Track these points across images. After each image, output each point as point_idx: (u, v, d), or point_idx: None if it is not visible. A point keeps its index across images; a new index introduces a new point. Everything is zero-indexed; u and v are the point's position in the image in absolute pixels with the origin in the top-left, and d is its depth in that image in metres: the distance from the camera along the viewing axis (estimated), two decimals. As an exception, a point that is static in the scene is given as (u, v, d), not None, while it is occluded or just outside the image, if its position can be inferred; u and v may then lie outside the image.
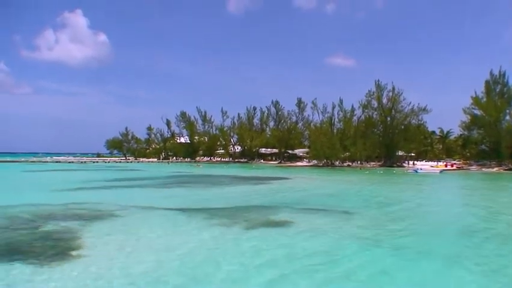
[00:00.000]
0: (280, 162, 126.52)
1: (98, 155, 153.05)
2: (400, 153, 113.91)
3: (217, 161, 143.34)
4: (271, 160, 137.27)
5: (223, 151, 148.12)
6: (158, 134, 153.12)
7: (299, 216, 20.74)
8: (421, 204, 29.27)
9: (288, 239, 15.45)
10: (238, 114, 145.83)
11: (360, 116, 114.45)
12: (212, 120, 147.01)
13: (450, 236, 17.38)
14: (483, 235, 17.16)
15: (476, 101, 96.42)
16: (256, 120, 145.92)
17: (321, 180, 54.02)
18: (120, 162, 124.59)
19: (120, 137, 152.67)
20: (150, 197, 31.97)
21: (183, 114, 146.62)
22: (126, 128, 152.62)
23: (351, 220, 20.17)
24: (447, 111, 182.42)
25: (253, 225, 18.06)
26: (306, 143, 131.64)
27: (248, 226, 17.93)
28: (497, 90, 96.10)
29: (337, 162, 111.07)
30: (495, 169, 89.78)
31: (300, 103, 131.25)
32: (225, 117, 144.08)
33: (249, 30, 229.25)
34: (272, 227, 17.72)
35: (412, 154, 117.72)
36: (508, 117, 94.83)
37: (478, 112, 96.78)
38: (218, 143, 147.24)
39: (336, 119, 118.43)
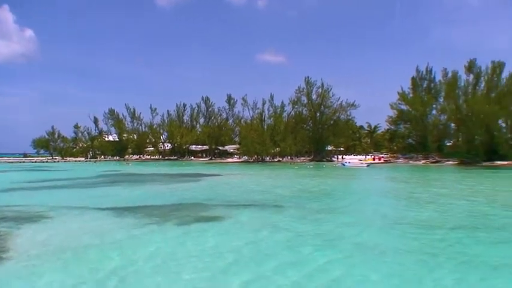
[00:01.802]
0: (210, 159, 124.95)
1: (25, 155, 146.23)
2: (330, 147, 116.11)
3: (146, 158, 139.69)
4: (202, 157, 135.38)
5: (153, 149, 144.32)
6: (85, 132, 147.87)
7: (229, 212, 20.55)
8: (346, 195, 30.29)
9: (218, 235, 15.37)
10: (168, 111, 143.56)
11: (290, 112, 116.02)
12: (141, 117, 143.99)
13: (371, 225, 17.71)
14: (407, 223, 17.84)
15: (403, 96, 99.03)
16: (186, 117, 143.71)
17: (251, 176, 53.64)
18: (47, 162, 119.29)
19: (46, 136, 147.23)
20: (78, 197, 30.21)
21: (111, 111, 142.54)
22: (53, 127, 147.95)
23: (279, 214, 20.31)
24: (375, 106, 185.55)
25: (184, 223, 17.80)
26: (237, 139, 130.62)
27: (179, 223, 17.70)
28: (424, 85, 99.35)
29: (268, 158, 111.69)
30: (422, 162, 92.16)
31: (230, 99, 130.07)
32: (154, 114, 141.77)
33: (178, 25, 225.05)
34: (203, 224, 17.58)
35: (341, 148, 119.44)
36: (434, 112, 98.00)
37: (404, 107, 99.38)
38: (147, 141, 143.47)
39: (266, 115, 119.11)
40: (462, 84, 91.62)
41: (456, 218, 19.75)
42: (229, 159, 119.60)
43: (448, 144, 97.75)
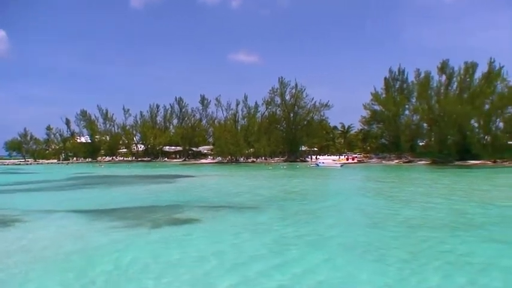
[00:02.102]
0: (184, 160, 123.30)
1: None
2: (303, 148, 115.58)
3: (119, 160, 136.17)
4: (176, 158, 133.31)
5: (126, 150, 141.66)
6: (58, 134, 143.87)
7: (207, 214, 20.43)
8: (323, 196, 30.53)
9: (191, 238, 15.35)
10: (141, 112, 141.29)
11: (264, 113, 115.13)
12: (114, 118, 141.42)
13: (352, 225, 17.76)
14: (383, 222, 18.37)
15: (375, 96, 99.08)
16: (159, 118, 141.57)
17: (226, 177, 53.48)
18: (19, 164, 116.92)
19: (19, 138, 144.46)
20: (51, 200, 29.27)
21: (83, 112, 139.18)
22: (25, 129, 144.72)
23: (258, 215, 20.30)
24: (349, 107, 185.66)
25: (157, 225, 17.64)
26: (211, 140, 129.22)
27: (152, 226, 17.41)
28: (397, 86, 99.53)
29: (242, 159, 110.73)
30: (395, 162, 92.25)
31: (203, 100, 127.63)
32: (127, 115, 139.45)
33: (151, 25, 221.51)
34: (177, 226, 17.42)
35: (315, 149, 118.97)
36: (407, 112, 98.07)
37: (377, 107, 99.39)
38: (120, 142, 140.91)
39: (240, 116, 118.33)
40: (435, 84, 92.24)
41: (436, 217, 19.66)
42: (203, 160, 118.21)
43: (420, 144, 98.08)
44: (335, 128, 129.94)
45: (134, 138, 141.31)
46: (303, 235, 15.47)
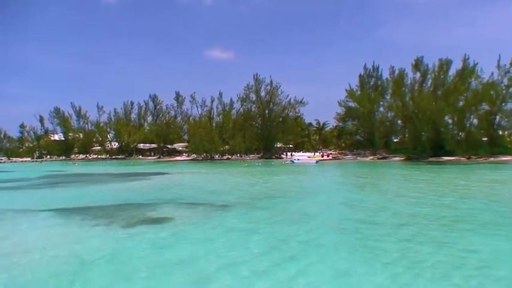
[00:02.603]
0: (159, 157, 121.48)
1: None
2: (279, 145, 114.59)
3: (93, 158, 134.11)
4: (150, 155, 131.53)
5: (99, 148, 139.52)
6: (31, 132, 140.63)
7: (176, 212, 20.05)
8: (297, 193, 29.39)
9: (166, 235, 15.13)
10: (115, 109, 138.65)
11: (239, 109, 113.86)
12: (88, 115, 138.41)
13: (319, 224, 17.23)
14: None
15: (350, 93, 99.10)
16: (134, 115, 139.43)
17: (201, 175, 52.33)
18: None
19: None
20: (25, 199, 28.76)
21: (56, 110, 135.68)
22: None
23: (230, 212, 20.06)
24: (324, 103, 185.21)
25: (131, 223, 17.36)
26: (185, 137, 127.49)
27: (126, 224, 17.20)
28: (372, 83, 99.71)
29: (217, 156, 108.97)
30: (369, 158, 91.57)
31: (178, 97, 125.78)
32: (101, 112, 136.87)
33: (125, 21, 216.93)
34: (150, 225, 17.07)
35: (290, 145, 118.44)
36: (381, 109, 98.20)
37: (352, 104, 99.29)
38: (94, 140, 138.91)
39: (215, 113, 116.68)
40: (409, 81, 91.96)
41: (425, 212, 19.52)
42: (178, 158, 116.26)
43: (395, 140, 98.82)
44: (310, 124, 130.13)
45: (108, 136, 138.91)
46: (273, 232, 15.40)
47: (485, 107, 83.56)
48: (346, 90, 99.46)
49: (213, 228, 16.19)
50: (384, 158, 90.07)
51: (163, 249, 13.17)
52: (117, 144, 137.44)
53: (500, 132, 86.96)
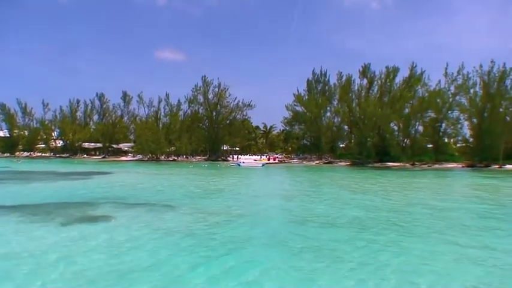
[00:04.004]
0: (104, 157, 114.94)
1: None
2: (225, 147, 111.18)
3: (38, 156, 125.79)
4: (95, 155, 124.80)
5: (44, 146, 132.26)
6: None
7: (117, 212, 19.29)
8: (237, 194, 29.21)
9: (104, 234, 14.54)
10: (60, 107, 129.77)
11: (187, 111, 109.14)
12: (33, 112, 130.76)
13: (259, 223, 17.39)
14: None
15: (298, 98, 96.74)
16: (80, 114, 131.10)
17: (144, 175, 50.42)
18: None
19: None
20: None
21: (2, 106, 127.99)
22: None
23: (169, 213, 19.42)
24: (272, 107, 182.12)
25: (70, 222, 16.85)
26: (132, 137, 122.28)
27: (64, 222, 16.68)
28: (320, 88, 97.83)
29: (163, 157, 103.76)
30: (315, 162, 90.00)
31: (125, 96, 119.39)
32: (46, 109, 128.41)
33: (75, 19, 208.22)
34: (88, 223, 16.60)
35: (237, 148, 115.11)
36: (328, 114, 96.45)
37: (300, 109, 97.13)
38: (39, 137, 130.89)
39: (162, 114, 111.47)
40: (356, 87, 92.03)
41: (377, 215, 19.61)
42: (124, 158, 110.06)
43: (341, 145, 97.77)
44: (257, 128, 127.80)
45: (53, 134, 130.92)
46: (219, 235, 14.75)
47: (431, 114, 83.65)
48: (294, 94, 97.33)
49: (146, 228, 15.71)
50: (330, 162, 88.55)
51: (98, 246, 12.77)
52: (61, 142, 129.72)
53: (446, 140, 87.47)
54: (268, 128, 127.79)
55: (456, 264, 11.40)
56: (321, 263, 11.24)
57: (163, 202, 23.18)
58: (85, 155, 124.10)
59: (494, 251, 12.90)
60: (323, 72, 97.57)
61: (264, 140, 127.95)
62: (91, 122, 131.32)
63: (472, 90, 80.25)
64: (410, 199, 26.63)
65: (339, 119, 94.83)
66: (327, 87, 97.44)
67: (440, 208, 22.23)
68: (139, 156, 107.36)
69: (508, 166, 72.80)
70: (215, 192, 30.26)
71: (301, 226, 16.49)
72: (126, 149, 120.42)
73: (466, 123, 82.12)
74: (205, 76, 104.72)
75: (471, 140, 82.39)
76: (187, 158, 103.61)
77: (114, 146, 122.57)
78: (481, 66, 78.91)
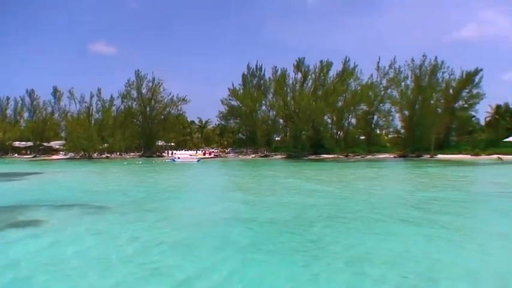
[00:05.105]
0: (35, 156, 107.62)
1: None
2: (160, 143, 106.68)
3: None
4: (27, 154, 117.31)
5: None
6: None
7: (47, 216, 17.91)
8: (172, 192, 28.54)
9: (34, 240, 13.68)
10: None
11: (120, 106, 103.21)
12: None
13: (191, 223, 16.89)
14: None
15: (233, 92, 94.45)
16: (9, 111, 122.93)
17: (76, 174, 48.08)
18: None
19: None
20: None
21: None
22: None
23: (103, 215, 18.52)
24: (207, 101, 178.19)
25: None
26: (63, 134, 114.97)
27: None
28: (255, 82, 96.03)
29: (96, 154, 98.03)
30: (251, 156, 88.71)
31: (56, 92, 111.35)
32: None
33: (4, 13, 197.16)
34: (16, 228, 15.38)
35: (172, 144, 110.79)
36: (264, 108, 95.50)
37: (235, 103, 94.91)
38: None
39: (95, 109, 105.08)
40: (291, 81, 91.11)
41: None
42: (55, 156, 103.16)
43: (276, 139, 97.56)
44: (193, 122, 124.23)
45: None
46: (138, 237, 13.99)
47: (364, 107, 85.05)
48: (229, 89, 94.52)
49: (83, 231, 14.80)
50: (266, 156, 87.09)
51: (27, 252, 11.98)
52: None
53: (378, 131, 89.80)
54: (203, 123, 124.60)
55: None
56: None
57: (97, 203, 21.71)
58: (16, 154, 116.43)
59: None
60: (258, 67, 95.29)
61: (200, 135, 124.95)
62: (21, 120, 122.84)
63: (403, 84, 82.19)
64: (346, 188, 27.80)
65: (274, 113, 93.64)
66: (262, 81, 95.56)
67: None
68: (71, 154, 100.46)
69: (440, 156, 73.51)
70: (149, 190, 29.55)
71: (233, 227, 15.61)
72: (57, 147, 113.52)
73: (397, 115, 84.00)
74: (138, 70, 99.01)
75: (403, 131, 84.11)
76: (121, 155, 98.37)
77: (45, 144, 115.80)
78: (412, 60, 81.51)
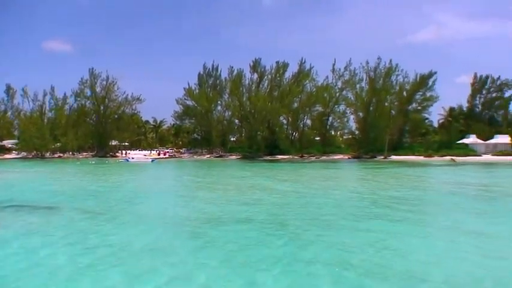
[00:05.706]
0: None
1: None
2: (114, 142, 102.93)
3: None
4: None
5: None
6: None
7: None
8: (121, 194, 27.62)
9: None
10: None
11: (73, 105, 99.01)
12: None
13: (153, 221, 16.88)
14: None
15: (189, 92, 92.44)
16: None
17: (28, 174, 47.66)
18: None
19: None
20: None
21: None
22: None
23: (51, 216, 18.31)
24: (162, 101, 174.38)
25: None
26: (16, 133, 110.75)
27: None
28: (211, 82, 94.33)
29: (48, 154, 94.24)
30: (206, 156, 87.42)
31: (9, 90, 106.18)
32: None
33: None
34: None
35: (126, 143, 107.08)
36: (219, 108, 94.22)
37: (190, 103, 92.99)
38: None
39: (48, 108, 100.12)
40: (247, 82, 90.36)
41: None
42: (7, 156, 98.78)
43: (232, 139, 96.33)
44: (147, 122, 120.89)
45: None
46: (79, 241, 13.65)
47: (319, 108, 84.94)
48: (184, 88, 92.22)
49: (33, 232, 14.94)
50: (221, 156, 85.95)
51: None
52: None
53: (333, 132, 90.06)
54: (158, 123, 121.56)
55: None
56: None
57: (47, 205, 21.64)
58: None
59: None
60: (215, 67, 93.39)
61: (154, 135, 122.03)
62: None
63: (358, 86, 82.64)
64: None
65: (230, 113, 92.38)
66: (218, 81, 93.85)
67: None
68: (23, 154, 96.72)
69: (393, 157, 74.04)
70: (101, 191, 29.25)
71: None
72: (10, 146, 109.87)
73: (352, 116, 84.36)
74: (92, 68, 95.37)
75: (357, 132, 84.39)
76: (74, 154, 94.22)
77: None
78: (367, 62, 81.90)
